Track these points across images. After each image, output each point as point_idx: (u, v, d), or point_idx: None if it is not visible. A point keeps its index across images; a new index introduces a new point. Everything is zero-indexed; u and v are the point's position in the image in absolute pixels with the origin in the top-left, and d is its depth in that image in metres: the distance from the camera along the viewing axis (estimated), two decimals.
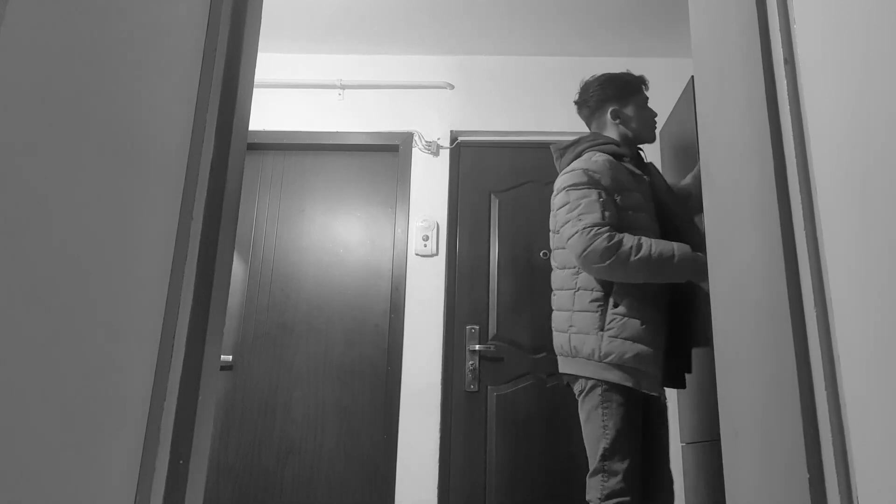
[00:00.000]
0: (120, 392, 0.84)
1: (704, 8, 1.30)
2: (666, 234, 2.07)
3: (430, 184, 3.18)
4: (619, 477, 1.86)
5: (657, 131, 2.34)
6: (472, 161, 3.25)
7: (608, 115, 2.22)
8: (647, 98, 2.26)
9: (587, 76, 2.35)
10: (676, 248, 1.94)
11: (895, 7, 0.74)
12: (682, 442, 2.82)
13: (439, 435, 2.86)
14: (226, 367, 2.98)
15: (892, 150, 0.73)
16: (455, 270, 3.08)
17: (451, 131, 3.25)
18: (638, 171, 2.12)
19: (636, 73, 2.30)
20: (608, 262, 1.92)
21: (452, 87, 3.31)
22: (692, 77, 2.72)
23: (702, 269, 1.92)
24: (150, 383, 0.90)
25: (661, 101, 3.19)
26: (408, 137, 3.23)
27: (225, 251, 1.06)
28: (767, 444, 0.98)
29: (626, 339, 1.93)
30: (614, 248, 1.92)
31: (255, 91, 1.28)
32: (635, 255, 1.91)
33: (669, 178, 3.09)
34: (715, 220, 1.21)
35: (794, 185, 0.95)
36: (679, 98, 2.96)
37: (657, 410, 2.09)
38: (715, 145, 1.22)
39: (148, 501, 0.87)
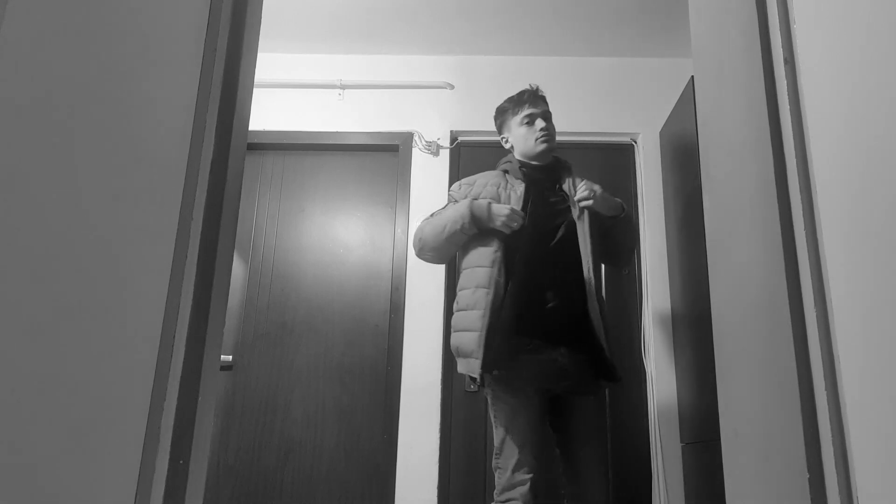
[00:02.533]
0: (120, 392, 0.84)
1: (704, 8, 1.30)
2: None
3: (430, 184, 3.18)
4: (508, 473, 1.99)
5: (547, 145, 2.36)
6: (472, 161, 3.24)
7: (503, 142, 2.45)
8: (529, 113, 2.33)
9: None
10: (457, 205, 2.21)
11: (895, 7, 0.74)
12: (682, 442, 2.82)
13: (439, 435, 2.86)
14: (226, 367, 2.98)
15: (892, 149, 0.73)
16: (455, 270, 3.08)
17: (451, 131, 3.25)
18: (519, 180, 2.32)
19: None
20: (417, 245, 2.30)
21: (452, 87, 3.31)
22: (692, 77, 2.72)
23: (483, 213, 2.15)
24: (150, 383, 0.90)
25: (661, 101, 3.19)
26: (408, 137, 3.23)
27: (225, 251, 1.06)
28: (767, 444, 0.98)
29: (456, 330, 2.16)
30: (417, 232, 2.30)
31: (255, 91, 1.28)
32: (427, 227, 2.26)
33: (670, 178, 3.10)
34: (715, 220, 1.21)
35: (794, 185, 0.95)
36: (679, 98, 2.96)
37: (574, 407, 2.14)
38: (715, 145, 1.22)
39: (148, 501, 0.87)
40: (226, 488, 2.85)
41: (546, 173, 2.33)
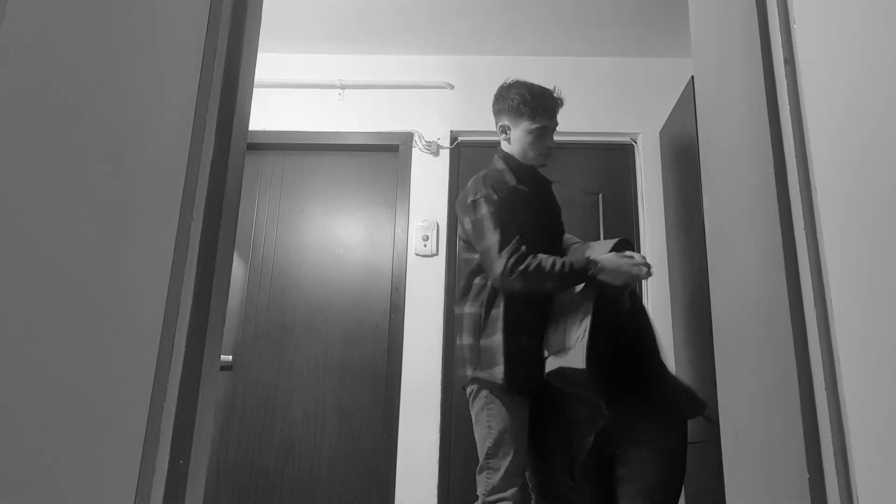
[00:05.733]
0: (120, 392, 0.84)
1: (704, 8, 1.30)
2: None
3: (430, 184, 3.18)
4: (501, 473, 1.98)
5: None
6: (472, 161, 3.24)
7: (501, 129, 2.30)
8: (544, 127, 2.22)
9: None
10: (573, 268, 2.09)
11: (894, 7, 0.74)
12: None
13: (439, 435, 2.86)
14: (226, 367, 2.98)
15: (891, 149, 0.73)
16: (455, 270, 3.08)
17: (451, 131, 3.25)
18: None
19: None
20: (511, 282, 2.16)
21: (452, 87, 3.31)
22: (692, 77, 2.72)
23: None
24: (150, 383, 0.90)
25: (661, 101, 3.19)
26: (408, 137, 3.23)
27: (225, 251, 1.06)
28: (767, 444, 0.98)
29: None
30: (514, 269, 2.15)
31: (255, 91, 1.28)
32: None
33: (669, 178, 3.10)
34: (715, 220, 1.21)
35: (794, 185, 0.95)
36: (679, 98, 2.96)
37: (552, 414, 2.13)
38: (715, 145, 1.22)
39: (148, 501, 0.87)
40: (226, 488, 2.85)
41: (537, 177, 2.30)
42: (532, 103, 2.22)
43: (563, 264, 2.01)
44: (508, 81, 2.33)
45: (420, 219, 3.12)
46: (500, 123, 2.28)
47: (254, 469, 2.87)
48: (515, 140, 2.24)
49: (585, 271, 2.01)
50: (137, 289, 0.87)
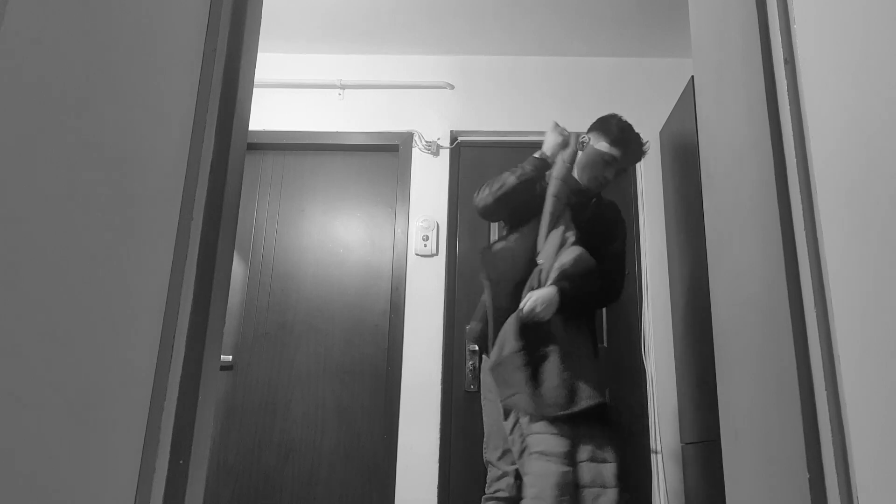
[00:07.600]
0: (120, 392, 0.84)
1: (704, 8, 1.30)
2: None
3: (430, 184, 3.18)
4: (495, 466, 2.08)
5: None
6: (472, 161, 3.24)
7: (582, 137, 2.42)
8: (617, 160, 2.29)
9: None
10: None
11: (894, 7, 0.74)
12: (682, 442, 2.82)
13: (439, 435, 2.86)
14: (226, 367, 2.98)
15: (891, 149, 0.73)
16: (455, 270, 3.08)
17: (451, 131, 3.25)
18: None
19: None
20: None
21: (452, 87, 3.31)
22: (692, 77, 2.72)
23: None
24: (150, 383, 0.90)
25: (661, 101, 3.19)
26: (408, 137, 3.23)
27: (225, 251, 1.06)
28: (767, 444, 0.98)
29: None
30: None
31: (255, 91, 1.28)
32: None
33: (669, 178, 3.10)
34: (715, 220, 1.21)
35: (794, 185, 0.95)
36: (679, 98, 2.96)
37: None
38: (715, 145, 1.22)
39: (148, 501, 0.87)
40: (226, 488, 2.85)
41: (586, 192, 2.34)
42: (622, 135, 2.28)
43: (518, 168, 2.29)
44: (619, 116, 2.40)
45: (420, 219, 3.12)
46: (586, 136, 2.35)
47: (254, 469, 2.87)
48: (587, 153, 2.30)
49: (538, 159, 2.29)
50: (137, 289, 0.87)
